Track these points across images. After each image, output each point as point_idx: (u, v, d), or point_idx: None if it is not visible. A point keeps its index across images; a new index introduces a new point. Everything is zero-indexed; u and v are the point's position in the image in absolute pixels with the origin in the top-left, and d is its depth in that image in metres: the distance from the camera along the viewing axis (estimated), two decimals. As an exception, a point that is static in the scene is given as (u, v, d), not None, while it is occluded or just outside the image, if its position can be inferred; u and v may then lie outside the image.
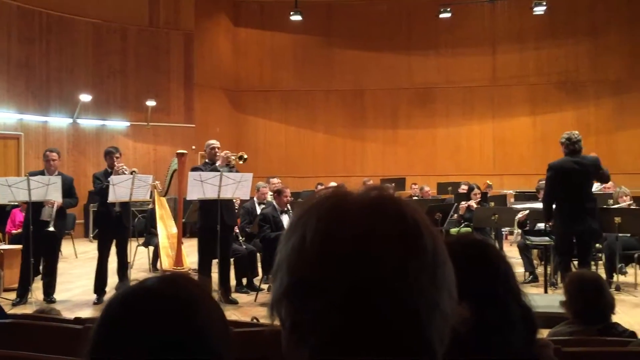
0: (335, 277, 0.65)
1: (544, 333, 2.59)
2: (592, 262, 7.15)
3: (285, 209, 7.47)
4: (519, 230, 8.56)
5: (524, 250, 7.92)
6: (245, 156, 7.38)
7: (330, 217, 0.68)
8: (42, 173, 7.07)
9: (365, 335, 0.64)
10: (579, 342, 2.55)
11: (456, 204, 9.04)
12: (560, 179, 6.40)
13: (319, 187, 11.75)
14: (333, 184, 9.60)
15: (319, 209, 0.70)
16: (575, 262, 6.66)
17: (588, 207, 6.38)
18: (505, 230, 10.79)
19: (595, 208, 6.52)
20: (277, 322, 0.71)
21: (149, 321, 0.84)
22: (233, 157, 7.19)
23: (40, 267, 7.49)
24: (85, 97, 13.23)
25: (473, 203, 9.00)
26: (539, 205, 7.73)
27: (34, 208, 6.85)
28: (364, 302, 0.64)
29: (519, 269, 7.70)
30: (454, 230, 8.58)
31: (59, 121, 13.36)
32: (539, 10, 14.30)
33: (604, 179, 6.82)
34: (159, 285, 0.90)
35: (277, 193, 7.73)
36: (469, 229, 8.52)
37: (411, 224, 0.68)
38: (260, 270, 7.78)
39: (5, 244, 8.85)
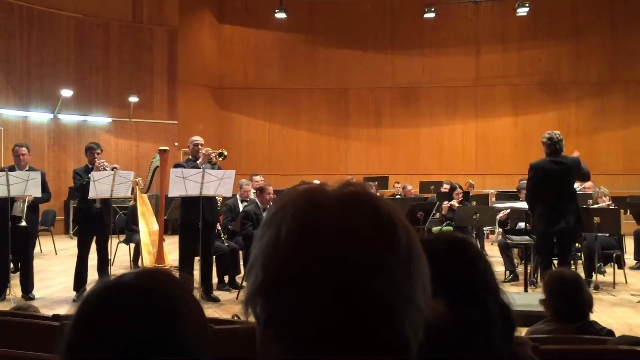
0: (310, 273, 0.64)
1: (523, 331, 2.61)
2: (572, 262, 7.23)
3: (268, 206, 7.46)
4: (500, 230, 8.63)
5: (505, 249, 7.99)
6: (225, 153, 7.34)
7: (305, 212, 0.68)
8: (13, 168, 6.97)
9: (341, 329, 0.64)
10: (557, 340, 2.57)
11: (438, 202, 9.09)
12: (541, 179, 6.44)
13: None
14: (316, 182, 9.58)
15: (294, 204, 0.70)
16: (556, 262, 6.72)
17: (569, 206, 6.42)
18: (486, 229, 10.87)
19: (576, 208, 6.55)
20: (252, 319, 0.70)
21: (125, 317, 0.82)
22: (213, 155, 7.15)
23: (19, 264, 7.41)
24: (66, 93, 13.08)
25: (455, 202, 9.05)
26: (520, 204, 7.80)
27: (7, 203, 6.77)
28: (339, 297, 0.64)
29: (500, 268, 7.77)
30: (435, 229, 8.62)
31: (39, 116, 13.20)
32: (522, 11, 14.43)
33: (585, 177, 6.86)
34: (136, 280, 0.88)
35: (260, 191, 7.71)
36: (450, 228, 8.57)
37: (385, 219, 0.68)
38: (242, 267, 7.76)
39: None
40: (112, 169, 7.07)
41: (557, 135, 6.45)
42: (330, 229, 0.66)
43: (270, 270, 0.67)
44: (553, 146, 6.42)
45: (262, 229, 0.71)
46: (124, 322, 0.82)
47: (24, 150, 7.12)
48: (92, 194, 6.87)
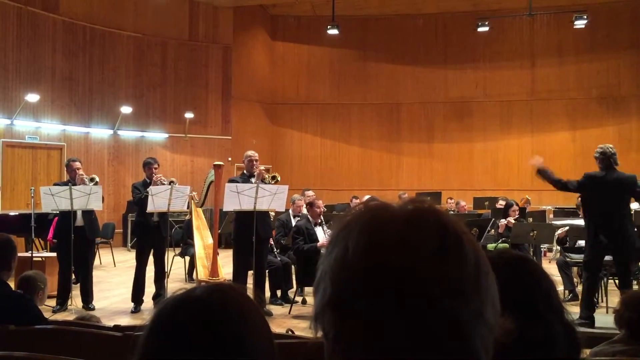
0: (378, 287, 0.65)
1: (585, 352, 2.53)
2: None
3: (319, 220, 7.48)
4: (558, 247, 8.38)
5: (564, 267, 7.75)
6: (279, 178, 7.42)
7: (372, 228, 0.69)
8: (66, 184, 7.21)
9: (411, 344, 0.64)
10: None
11: (494, 219, 8.89)
12: (592, 190, 6.22)
13: (354, 200, 11.74)
14: (367, 197, 9.54)
15: (360, 220, 0.70)
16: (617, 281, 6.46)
17: (621, 223, 6.14)
18: (544, 246, 10.58)
19: (628, 225, 6.23)
20: (319, 334, 0.71)
21: (197, 331, 0.85)
22: (267, 176, 7.24)
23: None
24: (125, 109, 13.53)
25: (512, 219, 8.83)
26: (579, 221, 7.57)
27: (70, 216, 7.02)
28: (408, 311, 0.64)
29: (559, 287, 7.53)
30: (491, 246, 8.44)
31: (100, 132, 13.68)
32: (580, 24, 14.04)
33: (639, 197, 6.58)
34: (208, 295, 0.90)
35: (310, 205, 7.76)
36: (506, 245, 8.37)
37: (452, 234, 0.69)
38: (294, 282, 7.80)
39: (47, 251, 9.06)
40: (170, 183, 7.24)
41: (610, 149, 6.21)
42: (397, 245, 0.66)
43: (339, 285, 0.68)
44: (607, 160, 6.19)
45: (329, 246, 0.72)
46: (196, 337, 0.84)
47: (78, 164, 7.42)
48: (150, 208, 7.05)
